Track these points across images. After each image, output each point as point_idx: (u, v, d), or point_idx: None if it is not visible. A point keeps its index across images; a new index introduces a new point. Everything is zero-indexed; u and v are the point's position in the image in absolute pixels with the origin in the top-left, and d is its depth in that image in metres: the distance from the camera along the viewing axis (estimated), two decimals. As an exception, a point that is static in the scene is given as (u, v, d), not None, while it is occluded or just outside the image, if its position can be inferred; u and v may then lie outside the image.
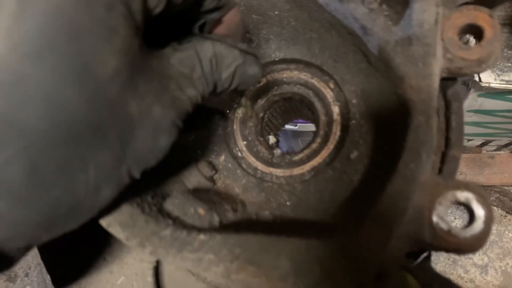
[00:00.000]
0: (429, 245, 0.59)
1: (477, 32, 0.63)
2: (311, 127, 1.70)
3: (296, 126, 1.70)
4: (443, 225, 0.59)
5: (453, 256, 1.89)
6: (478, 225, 0.59)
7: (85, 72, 0.40)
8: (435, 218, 0.59)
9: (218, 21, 0.58)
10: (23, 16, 0.37)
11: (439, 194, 0.60)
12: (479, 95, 1.67)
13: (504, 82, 1.58)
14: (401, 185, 0.58)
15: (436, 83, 0.61)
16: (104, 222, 0.55)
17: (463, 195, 0.60)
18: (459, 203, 0.61)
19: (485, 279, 1.94)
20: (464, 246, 0.59)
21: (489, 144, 2.02)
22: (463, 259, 1.96)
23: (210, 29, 0.58)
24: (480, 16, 0.63)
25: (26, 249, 0.47)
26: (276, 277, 0.53)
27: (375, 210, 0.57)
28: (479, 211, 0.59)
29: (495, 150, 2.08)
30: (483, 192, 0.60)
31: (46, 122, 0.39)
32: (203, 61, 0.54)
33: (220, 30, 0.59)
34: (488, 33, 0.62)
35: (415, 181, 0.58)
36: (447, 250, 0.60)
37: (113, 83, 0.42)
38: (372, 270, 0.54)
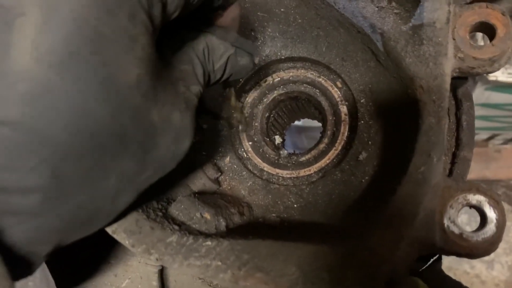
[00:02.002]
0: (440, 249, 0.58)
1: (489, 30, 0.62)
2: (316, 122, 1.68)
3: (300, 121, 1.68)
4: (455, 229, 0.57)
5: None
6: (490, 228, 0.58)
7: (108, 82, 0.40)
8: (446, 222, 0.57)
9: (219, 15, 0.58)
10: (47, 27, 0.37)
11: (450, 197, 0.58)
12: (486, 89, 1.66)
13: (512, 76, 1.57)
14: (412, 188, 0.57)
15: (447, 83, 0.60)
16: (109, 229, 0.54)
17: (475, 198, 0.58)
18: (470, 206, 0.60)
19: (491, 274, 1.93)
20: (476, 250, 0.57)
21: (496, 138, 2.01)
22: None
23: (211, 22, 0.58)
24: (493, 14, 0.61)
25: (46, 256, 0.46)
26: (284, 284, 0.52)
27: (386, 215, 0.56)
28: (491, 214, 0.58)
29: (502, 144, 2.07)
30: (495, 195, 0.58)
31: (70, 132, 0.39)
32: (198, 53, 0.55)
33: (219, 23, 0.59)
34: (500, 31, 0.60)
35: (426, 185, 0.57)
36: (459, 254, 0.58)
37: (136, 92, 0.42)
38: (383, 277, 0.52)
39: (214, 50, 0.56)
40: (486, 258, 1.95)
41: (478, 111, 1.77)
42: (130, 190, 0.48)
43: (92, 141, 0.41)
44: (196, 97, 0.54)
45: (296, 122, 1.69)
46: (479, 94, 1.67)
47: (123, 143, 0.44)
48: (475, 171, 1.95)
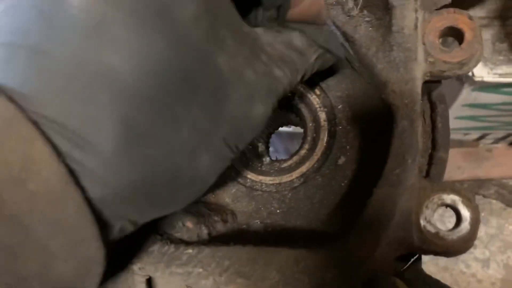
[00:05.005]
0: (418, 249, 0.60)
1: (457, 34, 0.64)
2: (306, 128, 1.70)
3: (290, 128, 1.70)
4: (431, 228, 0.59)
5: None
6: (465, 226, 0.60)
7: (164, 15, 0.38)
8: (422, 222, 0.59)
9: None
10: None
11: (426, 197, 0.60)
12: (473, 89, 1.67)
13: (497, 76, 1.58)
14: (388, 190, 0.59)
15: (418, 87, 0.62)
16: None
17: (449, 198, 0.60)
18: (446, 206, 0.61)
19: (487, 273, 1.94)
20: (452, 248, 0.59)
21: (486, 137, 2.02)
22: (464, 254, 1.96)
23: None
24: (460, 19, 0.63)
25: (133, 222, 0.43)
26: None
27: (363, 216, 0.58)
28: (465, 213, 0.60)
29: (492, 143, 2.08)
30: (469, 194, 0.60)
31: (131, 65, 0.37)
32: (293, 52, 0.53)
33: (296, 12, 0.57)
34: (468, 35, 0.62)
35: (401, 186, 0.59)
36: (436, 253, 0.60)
37: (195, 28, 0.40)
38: (361, 277, 0.54)
39: (308, 50, 0.55)
40: (482, 257, 1.97)
41: (467, 112, 1.78)
42: (209, 150, 0.45)
43: (156, 80, 0.39)
44: (281, 85, 0.51)
45: (287, 129, 1.70)
46: (467, 94, 1.68)
47: (190, 87, 0.41)
48: (467, 171, 1.96)
